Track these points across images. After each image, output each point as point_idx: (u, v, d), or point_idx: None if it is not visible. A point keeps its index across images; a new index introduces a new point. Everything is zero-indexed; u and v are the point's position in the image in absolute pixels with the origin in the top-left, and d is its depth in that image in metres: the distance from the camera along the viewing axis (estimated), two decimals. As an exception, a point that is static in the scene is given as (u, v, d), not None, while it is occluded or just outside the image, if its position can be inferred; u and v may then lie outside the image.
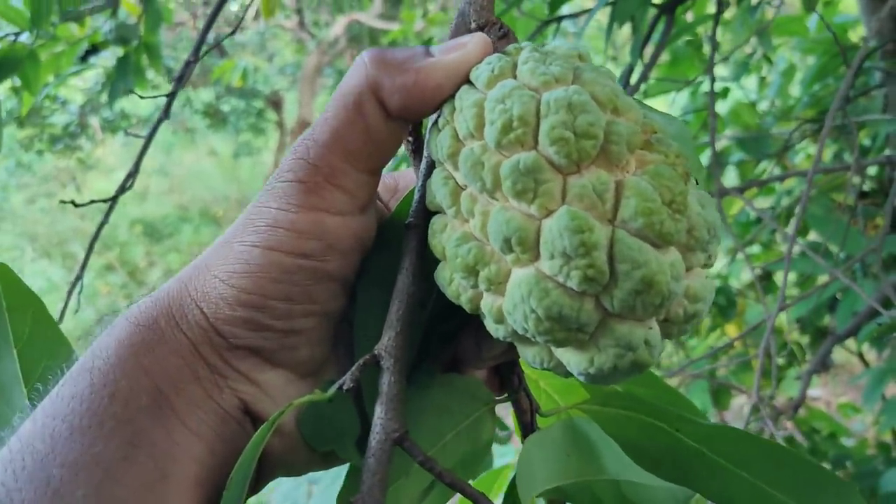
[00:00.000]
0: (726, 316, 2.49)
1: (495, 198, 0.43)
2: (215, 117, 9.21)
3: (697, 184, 0.45)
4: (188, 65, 1.13)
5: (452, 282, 0.46)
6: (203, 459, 0.46)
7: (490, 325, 0.45)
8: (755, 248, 2.69)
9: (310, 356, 0.50)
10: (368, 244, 0.50)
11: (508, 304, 0.42)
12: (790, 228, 2.59)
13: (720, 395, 2.33)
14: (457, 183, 0.45)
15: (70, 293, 1.18)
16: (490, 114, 0.43)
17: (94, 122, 8.40)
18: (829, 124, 1.15)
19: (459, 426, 0.50)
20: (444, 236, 0.45)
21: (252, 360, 0.48)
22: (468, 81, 0.47)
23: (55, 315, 0.73)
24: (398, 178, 0.57)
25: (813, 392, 4.37)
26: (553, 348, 0.43)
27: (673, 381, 2.65)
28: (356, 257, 0.49)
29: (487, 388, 0.53)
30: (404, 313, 0.47)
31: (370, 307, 0.49)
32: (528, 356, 0.45)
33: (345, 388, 0.44)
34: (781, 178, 1.72)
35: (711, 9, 1.99)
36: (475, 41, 0.48)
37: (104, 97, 1.95)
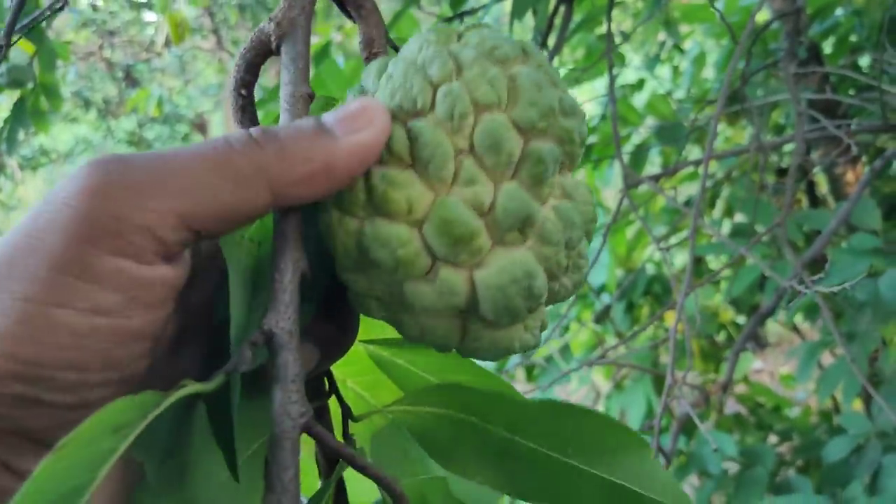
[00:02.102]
0: (662, 303, 2.52)
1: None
2: (140, 146, 8.98)
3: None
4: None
5: (406, 244, 0.43)
6: None
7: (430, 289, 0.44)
8: (685, 233, 2.73)
9: None
10: (181, 287, 0.42)
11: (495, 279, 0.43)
12: (716, 212, 2.64)
13: (660, 381, 2.35)
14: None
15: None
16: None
17: (11, 161, 8.11)
18: (718, 112, 1.17)
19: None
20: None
21: (16, 443, 0.37)
22: None
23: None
24: None
25: (756, 365, 4.48)
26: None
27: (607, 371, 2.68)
28: (167, 308, 0.41)
29: None
30: (291, 282, 0.41)
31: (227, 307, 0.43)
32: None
33: (241, 369, 0.38)
34: (691, 164, 1.74)
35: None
36: (379, 116, 0.42)
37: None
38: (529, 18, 1.59)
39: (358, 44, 0.49)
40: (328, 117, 0.42)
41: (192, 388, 0.37)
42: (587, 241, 0.47)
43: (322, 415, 0.48)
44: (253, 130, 0.41)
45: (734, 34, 1.43)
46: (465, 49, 0.44)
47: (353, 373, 0.57)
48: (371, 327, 0.56)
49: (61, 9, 1.04)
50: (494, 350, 0.46)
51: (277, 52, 0.47)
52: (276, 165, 0.40)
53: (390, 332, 0.49)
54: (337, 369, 0.55)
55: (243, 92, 0.48)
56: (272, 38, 0.46)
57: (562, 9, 1.55)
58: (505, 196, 0.42)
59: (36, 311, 0.35)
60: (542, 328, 0.47)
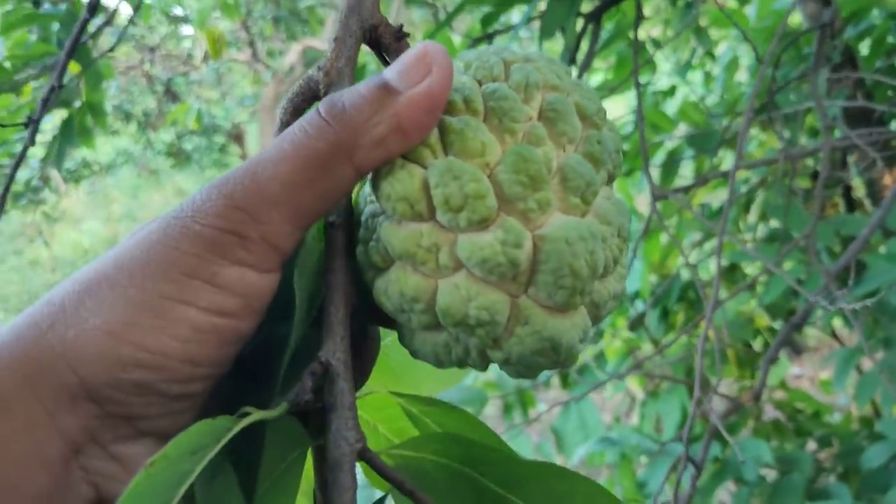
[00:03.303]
0: (696, 310, 2.51)
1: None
2: (178, 156, 9.14)
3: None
4: (53, 90, 1.14)
5: (478, 179, 0.42)
6: None
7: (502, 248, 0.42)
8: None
9: (186, 422, 0.42)
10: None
11: (555, 232, 0.43)
12: (751, 216, 2.62)
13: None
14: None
15: None
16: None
17: (55, 174, 8.30)
18: (745, 126, 1.17)
19: (275, 470, 0.46)
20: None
21: (124, 429, 0.42)
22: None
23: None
24: None
25: (794, 370, 4.42)
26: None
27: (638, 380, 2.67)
28: (261, 316, 0.44)
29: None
30: (345, 315, 0.44)
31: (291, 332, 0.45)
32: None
33: (304, 399, 0.41)
34: (720, 175, 1.75)
35: (646, 11, 2.01)
36: (439, 61, 0.42)
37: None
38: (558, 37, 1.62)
39: None
40: (390, 72, 0.43)
41: (258, 415, 0.40)
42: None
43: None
44: (322, 108, 0.42)
45: (758, 54, 1.43)
46: (531, 52, 0.48)
47: (384, 418, 0.59)
48: (399, 381, 0.59)
49: (120, 39, 1.11)
50: (538, 345, 0.43)
51: None
52: (349, 139, 0.41)
53: (423, 388, 0.53)
54: (370, 415, 0.58)
55: None
56: (321, 86, 0.49)
57: (590, 28, 1.56)
58: (571, 159, 0.44)
59: (167, 305, 0.40)
60: (585, 338, 0.46)
